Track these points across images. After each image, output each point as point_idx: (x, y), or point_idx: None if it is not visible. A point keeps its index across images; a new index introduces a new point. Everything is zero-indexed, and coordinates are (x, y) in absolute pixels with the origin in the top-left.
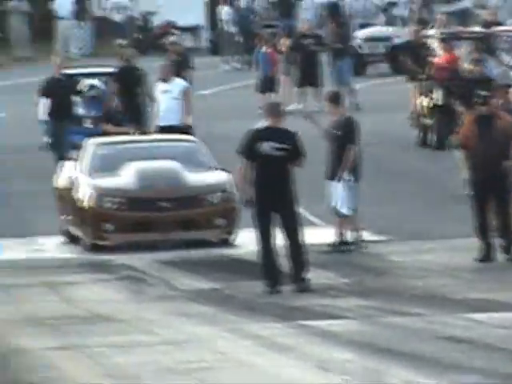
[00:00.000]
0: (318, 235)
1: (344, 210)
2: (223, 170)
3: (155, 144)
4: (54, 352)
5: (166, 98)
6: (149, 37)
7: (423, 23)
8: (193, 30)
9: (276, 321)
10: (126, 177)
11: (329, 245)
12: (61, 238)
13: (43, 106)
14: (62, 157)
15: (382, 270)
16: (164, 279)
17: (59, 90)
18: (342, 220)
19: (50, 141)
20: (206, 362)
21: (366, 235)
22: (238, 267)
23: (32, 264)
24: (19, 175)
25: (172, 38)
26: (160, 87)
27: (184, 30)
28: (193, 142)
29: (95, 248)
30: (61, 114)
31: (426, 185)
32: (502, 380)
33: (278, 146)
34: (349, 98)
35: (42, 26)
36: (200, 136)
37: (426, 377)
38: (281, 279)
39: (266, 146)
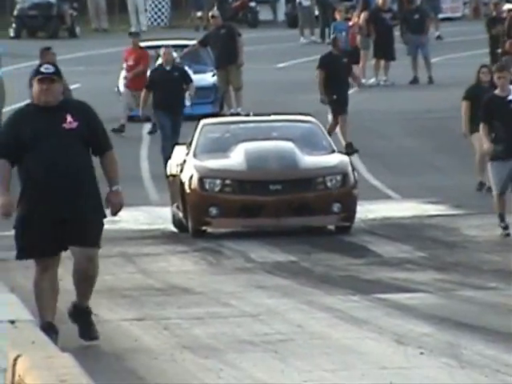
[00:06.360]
0: (395, 209)
1: None
2: (342, 152)
3: (270, 124)
4: (131, 323)
5: None
6: (227, 9)
7: None
8: (271, 3)
9: (352, 294)
10: (234, 157)
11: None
12: (174, 229)
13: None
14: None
15: (459, 243)
16: (241, 251)
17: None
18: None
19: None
20: (282, 334)
21: (443, 209)
22: (314, 240)
23: (109, 235)
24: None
25: (212, 12)
26: None
27: (262, 2)
28: (311, 122)
29: (197, 234)
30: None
31: None
32: None
33: None
34: (426, 72)
35: None
36: (277, 110)
37: (502, 351)
38: None
39: None
